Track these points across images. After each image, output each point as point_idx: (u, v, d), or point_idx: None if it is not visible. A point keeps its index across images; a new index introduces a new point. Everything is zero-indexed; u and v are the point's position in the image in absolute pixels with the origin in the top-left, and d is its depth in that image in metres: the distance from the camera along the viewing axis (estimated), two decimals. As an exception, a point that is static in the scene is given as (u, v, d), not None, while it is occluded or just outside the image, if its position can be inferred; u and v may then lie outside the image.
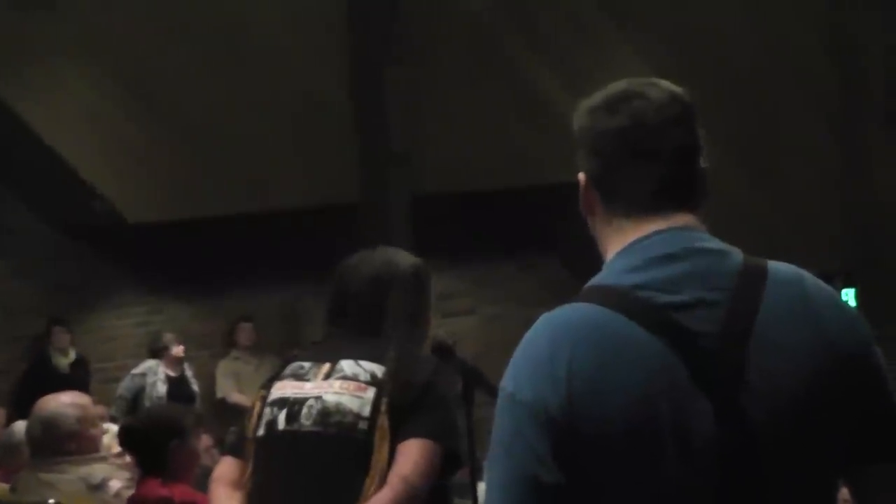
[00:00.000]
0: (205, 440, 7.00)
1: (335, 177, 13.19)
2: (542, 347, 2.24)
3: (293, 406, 3.96)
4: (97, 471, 5.56)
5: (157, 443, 5.23)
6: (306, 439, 3.92)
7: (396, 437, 3.84)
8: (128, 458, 5.72)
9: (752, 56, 12.70)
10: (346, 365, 3.98)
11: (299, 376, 4.03)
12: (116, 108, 13.25)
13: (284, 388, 4.02)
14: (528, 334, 2.30)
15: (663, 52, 12.15)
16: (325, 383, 3.96)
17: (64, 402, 5.66)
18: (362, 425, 3.87)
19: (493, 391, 8.42)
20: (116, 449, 5.90)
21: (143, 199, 13.87)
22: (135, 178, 13.74)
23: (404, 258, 4.22)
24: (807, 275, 2.36)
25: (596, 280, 2.34)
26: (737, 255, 2.33)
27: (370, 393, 3.90)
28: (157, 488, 5.21)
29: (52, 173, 13.35)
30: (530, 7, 12.95)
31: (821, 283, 2.36)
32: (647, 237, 2.33)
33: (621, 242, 2.36)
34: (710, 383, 2.19)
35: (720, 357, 2.21)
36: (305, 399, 3.95)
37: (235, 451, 4.10)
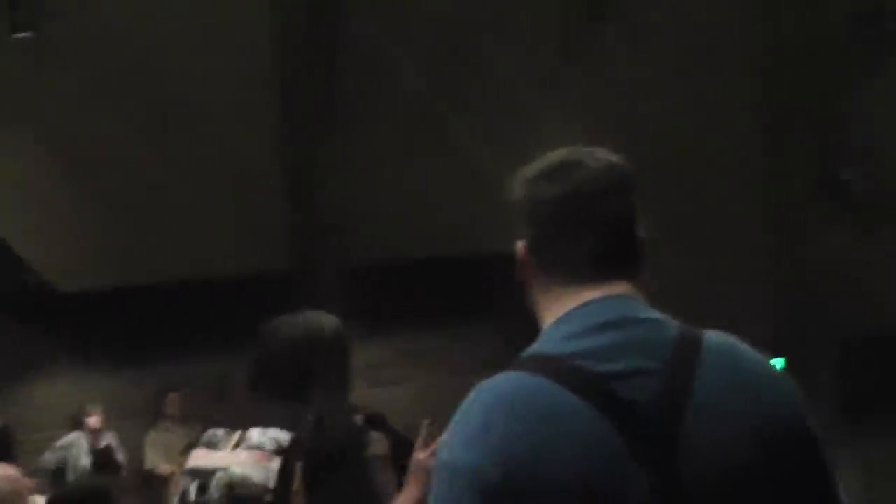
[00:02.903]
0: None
1: (266, 245, 13.17)
2: (478, 417, 2.23)
3: (203, 477, 3.94)
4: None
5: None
6: None
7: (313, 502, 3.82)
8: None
9: (684, 126, 12.83)
10: (255, 434, 3.96)
11: (212, 444, 4.02)
12: (46, 176, 13.17)
13: (197, 458, 4.01)
14: (464, 403, 2.29)
15: (593, 125, 12.25)
16: (233, 453, 3.95)
17: (-4, 476, 5.58)
18: (268, 497, 3.84)
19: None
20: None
21: (72, 267, 13.76)
22: (64, 246, 13.64)
23: (327, 321, 4.20)
24: (742, 344, 2.36)
25: (533, 349, 2.33)
26: (673, 324, 2.33)
27: (275, 463, 3.87)
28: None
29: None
30: (462, 80, 13.03)
31: (756, 352, 2.36)
32: (584, 305, 2.33)
33: (558, 311, 2.36)
34: (645, 453, 2.18)
35: (656, 427, 2.20)
36: (214, 470, 3.93)
37: None
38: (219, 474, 3.92)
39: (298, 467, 3.84)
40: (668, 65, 12.87)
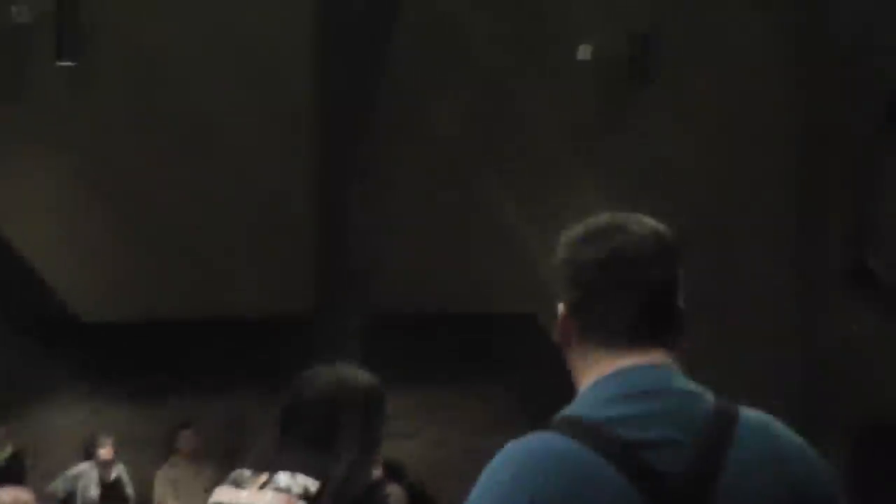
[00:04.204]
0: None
1: (290, 288, 13.19)
2: (506, 476, 2.23)
3: None
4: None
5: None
6: None
7: None
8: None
9: (717, 204, 12.84)
10: (283, 477, 3.96)
11: (238, 483, 4.04)
12: (78, 205, 13.23)
13: (221, 495, 4.03)
14: (493, 462, 2.28)
15: (627, 190, 12.27)
16: (259, 493, 3.96)
17: (9, 501, 5.58)
18: None
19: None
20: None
21: (98, 298, 13.78)
22: (91, 276, 13.67)
23: (362, 377, 4.22)
24: (776, 422, 2.35)
25: (566, 411, 2.32)
26: (709, 397, 2.32)
27: None
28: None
29: (7, 264, 13.27)
30: (500, 139, 13.08)
31: (789, 430, 2.35)
32: (620, 372, 2.32)
33: (596, 374, 2.35)
34: None
35: (685, 499, 2.19)
36: None
37: None
38: None
39: None
40: (707, 133, 12.90)
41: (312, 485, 3.93)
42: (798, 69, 13.75)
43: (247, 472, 4.06)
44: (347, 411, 4.10)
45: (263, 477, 4.00)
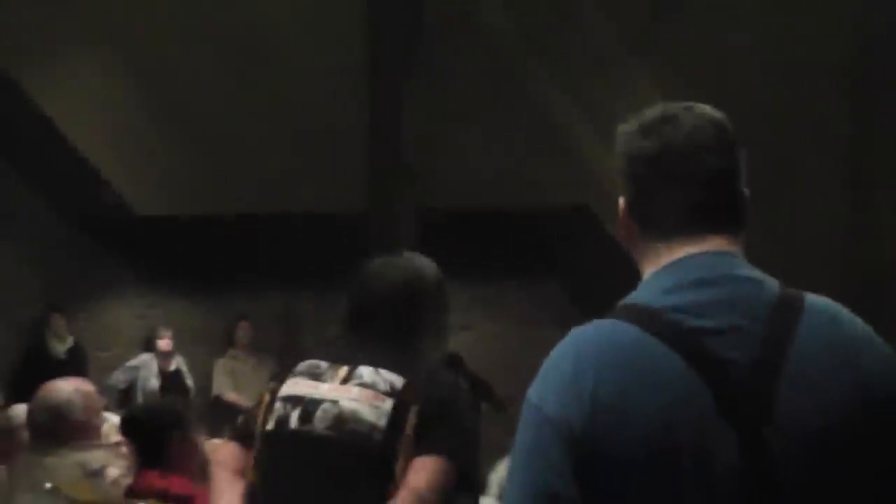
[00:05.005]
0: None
1: (343, 185, 13.22)
2: (569, 364, 2.22)
3: (307, 406, 3.87)
4: (96, 458, 5.55)
5: (158, 434, 5.18)
6: (319, 442, 3.84)
7: (417, 450, 3.77)
8: (125, 449, 5.70)
9: (770, 97, 12.74)
10: (366, 372, 3.88)
11: (315, 375, 3.93)
12: (131, 102, 13.30)
13: (298, 386, 3.92)
14: (557, 349, 2.28)
15: (681, 87, 12.19)
16: (343, 388, 3.86)
17: (71, 391, 5.64)
18: (377, 436, 3.79)
19: (499, 405, 8.42)
20: (115, 438, 5.88)
21: (151, 192, 13.91)
22: (145, 171, 13.79)
23: (430, 269, 4.13)
24: (843, 310, 2.32)
25: (630, 298, 2.32)
26: (773, 284, 2.30)
27: (388, 404, 3.81)
28: (155, 480, 5.14)
29: (63, 161, 13.40)
30: (551, 33, 12.99)
31: (859, 320, 2.31)
32: (681, 260, 2.31)
33: (656, 265, 2.34)
34: (736, 414, 2.16)
35: (749, 388, 2.17)
36: (321, 401, 3.86)
37: (241, 438, 4.02)
38: (325, 405, 3.85)
39: (413, 412, 3.79)
40: (760, 28, 12.79)
41: (398, 381, 3.85)
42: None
43: (323, 364, 3.96)
44: (425, 304, 4.03)
45: (343, 370, 3.92)
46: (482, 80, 13.05)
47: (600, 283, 9.40)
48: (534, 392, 2.26)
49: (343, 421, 3.83)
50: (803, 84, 12.95)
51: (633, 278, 2.40)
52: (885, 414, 2.22)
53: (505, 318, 14.22)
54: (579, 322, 2.31)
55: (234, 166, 13.45)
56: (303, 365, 3.98)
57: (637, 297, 2.31)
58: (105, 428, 6.16)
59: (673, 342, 2.19)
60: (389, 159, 13.03)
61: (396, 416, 3.79)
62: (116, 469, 5.54)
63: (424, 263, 4.15)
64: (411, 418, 3.79)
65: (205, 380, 13.48)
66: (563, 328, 2.35)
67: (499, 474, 7.48)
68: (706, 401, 2.16)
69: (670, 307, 2.24)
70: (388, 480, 3.76)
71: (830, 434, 2.18)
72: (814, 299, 2.31)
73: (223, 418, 10.44)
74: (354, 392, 3.85)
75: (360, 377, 3.88)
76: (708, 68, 12.51)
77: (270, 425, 3.92)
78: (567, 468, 2.16)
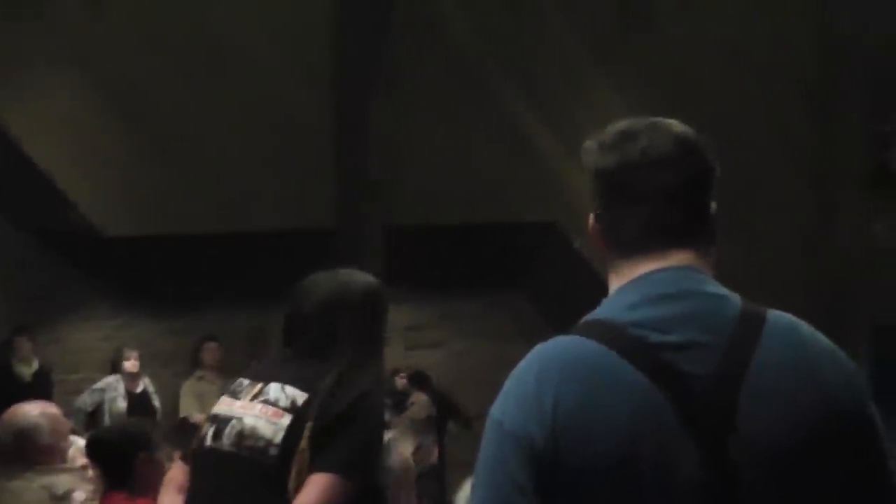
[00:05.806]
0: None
1: (310, 202, 13.20)
2: (531, 379, 2.23)
3: (220, 423, 4.00)
4: (62, 482, 5.51)
5: (124, 456, 5.17)
6: (224, 459, 3.95)
7: (310, 466, 3.83)
8: (90, 472, 5.66)
9: (735, 105, 12.78)
10: (273, 389, 3.97)
11: (234, 393, 4.05)
12: (98, 120, 13.23)
13: (220, 405, 4.08)
14: (520, 365, 2.29)
15: (645, 97, 12.22)
16: (250, 404, 3.98)
17: (37, 414, 5.61)
18: (273, 451, 3.87)
19: (466, 423, 8.35)
20: (80, 461, 5.84)
21: (118, 213, 13.82)
22: (112, 190, 13.70)
23: (359, 280, 4.17)
24: (805, 325, 2.33)
25: (593, 314, 2.33)
26: (736, 300, 2.31)
27: (285, 420, 3.89)
28: (121, 502, 5.14)
29: (29, 181, 13.30)
30: (516, 46, 13.01)
31: (819, 334, 2.33)
32: (646, 276, 2.32)
33: (621, 280, 2.35)
34: (697, 427, 2.17)
35: (710, 401, 2.18)
36: (230, 418, 3.98)
37: (188, 457, 4.18)
38: (233, 422, 3.97)
39: (307, 428, 3.85)
40: (728, 41, 12.83)
41: (300, 397, 3.92)
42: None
43: (245, 382, 4.07)
44: (345, 317, 4.05)
45: (257, 388, 4.01)
46: (448, 96, 13.06)
47: (570, 298, 9.43)
48: (496, 408, 2.27)
49: (244, 437, 3.94)
50: (768, 92, 13.01)
51: (602, 293, 2.39)
52: (846, 426, 2.24)
53: (474, 334, 14.21)
54: (549, 338, 2.32)
55: (200, 186, 13.39)
56: (234, 384, 4.12)
57: (600, 312, 2.33)
58: (71, 452, 6.12)
59: (635, 357, 2.21)
60: (356, 176, 13.02)
61: (292, 431, 3.87)
62: (83, 493, 5.50)
63: (355, 278, 4.19)
64: (305, 434, 3.85)
65: (173, 401, 13.41)
66: (533, 344, 2.34)
67: (465, 492, 7.46)
68: (668, 415, 2.18)
69: (633, 322, 2.25)
70: (282, 496, 3.82)
71: (792, 446, 2.19)
72: (776, 315, 2.32)
73: (190, 440, 10.38)
74: (257, 409, 3.96)
75: (266, 394, 3.98)
76: (675, 79, 12.55)
77: (195, 443, 4.10)
78: (529, 483, 2.18)
